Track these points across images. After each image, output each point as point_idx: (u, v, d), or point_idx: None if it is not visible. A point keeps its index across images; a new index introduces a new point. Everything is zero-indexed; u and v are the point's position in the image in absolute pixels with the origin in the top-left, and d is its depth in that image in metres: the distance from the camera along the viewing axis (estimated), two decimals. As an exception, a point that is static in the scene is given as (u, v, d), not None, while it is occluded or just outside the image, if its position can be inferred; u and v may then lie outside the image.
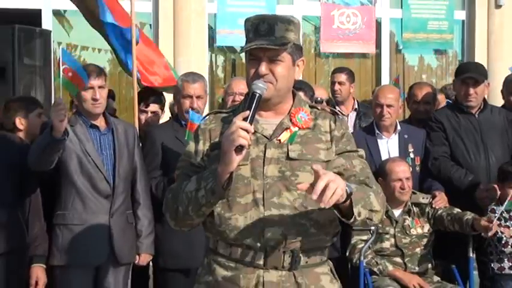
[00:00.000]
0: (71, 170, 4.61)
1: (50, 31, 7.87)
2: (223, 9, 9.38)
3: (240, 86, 5.23)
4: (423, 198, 5.42)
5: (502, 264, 5.36)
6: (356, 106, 7.02)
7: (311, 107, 3.01)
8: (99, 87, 4.66)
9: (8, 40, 7.07)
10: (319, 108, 3.02)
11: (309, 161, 2.84)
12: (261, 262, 2.87)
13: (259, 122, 2.89)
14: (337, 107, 6.90)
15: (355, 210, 2.71)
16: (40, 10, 8.95)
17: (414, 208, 5.41)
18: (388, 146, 5.61)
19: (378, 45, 9.93)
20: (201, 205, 2.80)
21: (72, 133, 4.60)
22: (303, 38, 9.67)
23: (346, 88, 7.07)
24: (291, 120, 2.92)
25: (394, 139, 5.64)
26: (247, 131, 2.64)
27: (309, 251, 2.93)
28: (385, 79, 9.92)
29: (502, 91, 6.31)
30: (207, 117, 3.06)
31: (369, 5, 9.88)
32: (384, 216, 5.00)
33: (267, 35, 2.80)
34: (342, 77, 7.10)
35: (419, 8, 10.03)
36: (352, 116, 7.00)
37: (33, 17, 8.77)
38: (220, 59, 9.84)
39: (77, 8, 6.67)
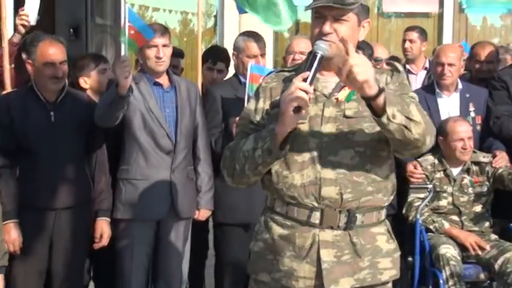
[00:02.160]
0: (134, 126, 4.55)
1: None
2: None
3: (300, 45, 5.06)
4: (484, 157, 5.26)
5: None
6: (427, 65, 6.82)
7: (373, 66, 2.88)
8: (163, 45, 4.56)
9: (81, 1, 7.11)
10: (377, 67, 2.88)
11: (365, 118, 2.74)
12: (317, 221, 2.80)
13: (319, 80, 2.80)
14: (407, 65, 6.75)
15: (389, 111, 2.56)
16: None
17: (474, 167, 5.25)
18: (449, 105, 5.43)
19: (441, 4, 9.67)
20: (258, 164, 2.75)
21: (136, 90, 4.53)
22: None
23: (417, 46, 6.89)
24: None
25: (454, 98, 5.45)
26: (306, 92, 2.56)
27: (366, 211, 2.83)
28: (448, 39, 9.64)
29: None
30: (269, 75, 2.99)
31: None
32: (442, 175, 5.14)
33: None
34: (413, 35, 6.91)
35: None
36: (422, 74, 6.82)
37: None
38: None
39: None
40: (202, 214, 4.84)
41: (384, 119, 2.56)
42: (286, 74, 2.92)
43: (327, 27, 2.69)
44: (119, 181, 4.60)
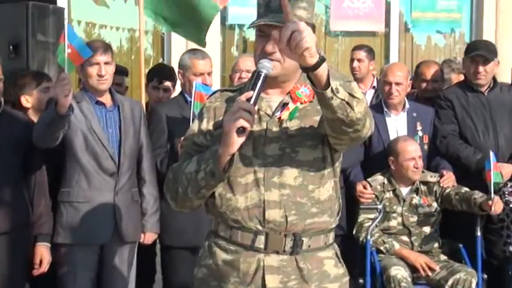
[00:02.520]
0: (76, 147, 4.40)
1: (63, 8, 7.64)
2: None
3: (246, 63, 4.96)
4: (431, 176, 5.22)
5: None
6: (375, 84, 6.78)
7: None
8: (105, 63, 4.44)
9: (22, 17, 6.86)
10: None
11: (308, 136, 2.67)
12: (262, 246, 2.69)
13: (264, 99, 2.71)
14: None
15: (333, 84, 2.35)
16: None
17: (422, 186, 5.20)
18: (397, 124, 5.40)
19: (387, 23, 9.63)
20: (201, 187, 2.64)
21: (78, 110, 4.39)
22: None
23: (365, 65, 6.81)
24: (291, 96, 2.72)
25: (402, 117, 5.42)
26: (250, 112, 2.47)
27: (312, 234, 2.72)
28: (394, 58, 9.61)
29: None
30: (214, 94, 2.89)
31: None
32: (392, 195, 5.11)
33: (277, 11, 2.56)
34: (361, 54, 6.85)
35: None
36: (370, 93, 6.75)
37: None
38: (233, 37, 9.54)
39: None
40: (148, 238, 4.69)
41: (329, 92, 2.36)
42: (230, 93, 2.84)
43: (270, 46, 2.61)
44: (59, 204, 4.43)
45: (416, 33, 9.90)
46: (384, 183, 5.18)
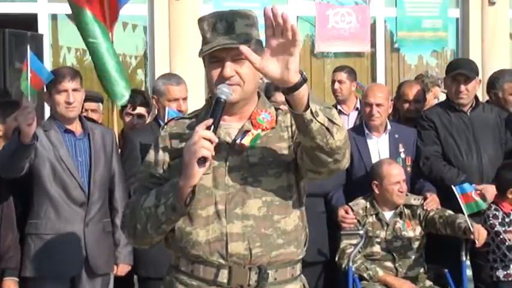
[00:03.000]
0: (43, 177, 4.27)
1: (42, 35, 7.61)
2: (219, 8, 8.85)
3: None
4: (414, 199, 5.06)
5: (509, 271, 4.94)
6: (358, 105, 6.63)
7: (276, 109, 2.69)
8: (74, 90, 4.33)
9: None
10: (283, 109, 2.68)
11: (271, 164, 2.58)
12: (225, 280, 2.56)
13: (222, 127, 2.57)
14: (338, 106, 6.59)
15: (312, 106, 2.29)
16: (36, 14, 8.56)
17: (406, 210, 5.04)
18: (378, 146, 5.25)
19: (373, 44, 9.57)
20: (161, 222, 2.52)
21: (46, 139, 4.29)
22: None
23: (346, 87, 6.68)
24: (251, 123, 2.61)
25: (384, 139, 5.27)
26: (210, 141, 2.37)
27: (278, 266, 2.60)
28: (381, 78, 9.55)
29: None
30: (168, 123, 2.74)
31: (363, 4, 9.51)
32: (375, 219, 4.94)
33: (226, 33, 2.50)
34: (342, 76, 6.72)
35: (413, 6, 9.63)
36: (354, 114, 6.63)
37: (29, 21, 8.41)
38: None
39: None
40: (121, 269, 4.55)
41: (308, 115, 2.29)
42: (187, 121, 2.70)
43: (228, 71, 2.50)
44: (27, 236, 4.29)
45: (405, 53, 9.84)
46: (366, 207, 5.02)
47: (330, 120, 2.34)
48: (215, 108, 2.44)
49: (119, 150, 4.76)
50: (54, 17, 8.65)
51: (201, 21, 2.56)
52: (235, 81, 2.52)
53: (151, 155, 2.68)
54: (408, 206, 5.03)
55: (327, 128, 2.33)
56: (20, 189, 4.28)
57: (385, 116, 5.23)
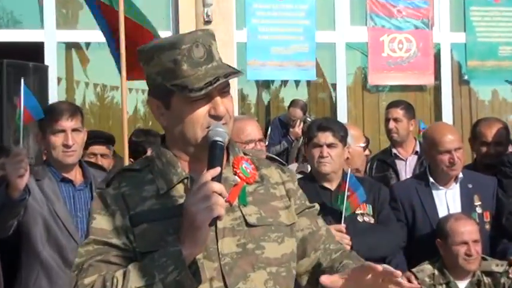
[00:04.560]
0: (34, 237, 4.11)
1: (47, 66, 7.49)
2: (254, 38, 9.03)
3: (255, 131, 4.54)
4: (497, 265, 4.82)
5: None
6: (417, 148, 6.42)
7: (244, 154, 2.59)
8: (73, 130, 4.21)
9: None
10: (252, 154, 2.63)
11: (271, 226, 2.46)
12: None
13: (195, 179, 2.33)
14: (393, 149, 6.38)
15: None
16: (43, 43, 8.61)
17: (485, 278, 4.80)
18: (447, 198, 5.06)
19: (437, 75, 9.51)
20: None
21: (38, 189, 4.15)
22: (347, 67, 9.29)
23: (403, 126, 6.44)
24: (235, 173, 2.47)
25: (454, 190, 5.08)
26: (221, 195, 2.22)
27: None
28: (448, 116, 9.44)
29: None
30: (113, 179, 2.47)
31: (425, 29, 9.44)
32: None
33: (207, 61, 2.38)
34: (398, 113, 6.49)
35: (486, 31, 9.55)
36: (413, 160, 6.38)
37: (36, 51, 8.47)
38: (253, 93, 9.49)
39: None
40: None
41: None
42: (136, 174, 2.47)
43: (221, 108, 2.37)
44: (13, 311, 4.16)
45: (475, 86, 9.76)
46: (434, 274, 4.78)
47: None
48: (215, 154, 2.30)
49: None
50: (68, 46, 8.75)
51: (162, 51, 2.37)
52: (225, 120, 2.40)
53: (102, 221, 2.39)
54: (488, 273, 4.79)
55: None
56: (3, 251, 4.16)
57: (463, 162, 5.07)
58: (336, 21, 9.22)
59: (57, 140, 4.15)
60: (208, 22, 8.55)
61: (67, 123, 4.15)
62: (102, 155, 5.63)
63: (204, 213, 2.19)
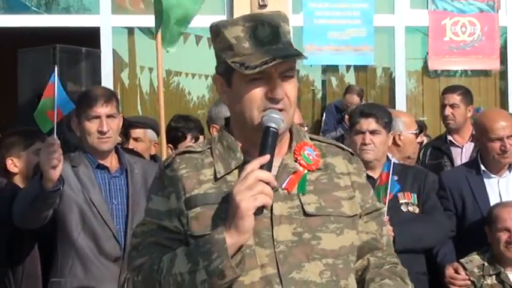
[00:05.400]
0: (70, 225, 4.10)
1: (99, 51, 7.53)
2: (310, 22, 8.96)
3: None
4: None
5: None
6: None
7: (312, 139, 2.54)
8: (108, 116, 4.18)
9: (48, 62, 6.86)
10: (323, 140, 2.57)
11: (331, 216, 2.40)
12: None
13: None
14: (449, 136, 6.25)
15: None
16: (98, 28, 8.59)
17: None
18: (500, 187, 4.93)
19: (503, 60, 9.34)
20: None
21: (74, 176, 4.13)
22: (406, 52, 9.15)
23: (460, 112, 6.29)
24: (296, 160, 2.43)
25: (507, 178, 4.94)
26: (269, 184, 2.23)
27: None
28: None
29: None
30: (172, 160, 2.48)
31: (490, 12, 9.26)
32: (495, 281, 4.63)
33: (273, 42, 2.35)
34: (455, 98, 6.33)
35: None
36: (469, 147, 6.21)
37: (92, 35, 8.52)
38: (309, 79, 9.44)
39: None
40: None
41: None
42: (197, 156, 2.47)
43: (279, 92, 2.34)
44: (49, 299, 4.18)
45: None
46: (483, 265, 4.66)
47: None
48: (267, 141, 2.28)
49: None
50: (129, 31, 8.83)
51: (226, 26, 2.37)
52: (283, 105, 2.36)
53: (158, 202, 2.45)
54: None
55: None
56: (40, 239, 4.17)
57: None
58: (395, 4, 9.09)
59: (92, 126, 4.13)
60: (263, 6, 8.49)
61: (102, 109, 4.13)
62: (135, 139, 5.62)
63: (248, 202, 2.19)
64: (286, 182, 2.38)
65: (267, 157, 2.25)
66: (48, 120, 4.14)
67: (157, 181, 2.48)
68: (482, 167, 4.92)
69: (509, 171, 4.92)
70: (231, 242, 2.22)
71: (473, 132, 6.16)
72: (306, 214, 2.37)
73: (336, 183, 2.45)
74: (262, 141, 2.30)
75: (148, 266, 2.36)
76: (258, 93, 2.34)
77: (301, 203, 2.38)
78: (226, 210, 2.26)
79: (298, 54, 2.33)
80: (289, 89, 2.36)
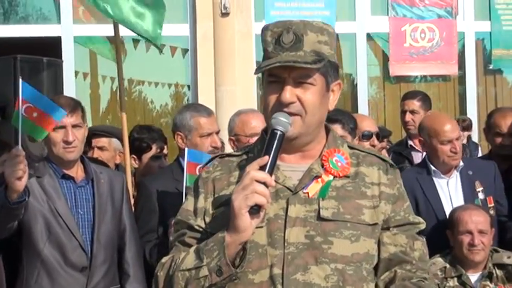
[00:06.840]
0: (35, 237, 4.07)
1: (61, 61, 7.54)
2: None
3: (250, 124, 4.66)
4: (508, 257, 4.77)
5: None
6: None
7: (351, 148, 2.61)
8: (74, 126, 4.16)
9: (8, 73, 6.77)
10: (363, 150, 2.63)
11: (347, 222, 2.45)
12: None
13: (281, 168, 2.50)
14: (409, 141, 6.39)
15: None
16: (60, 37, 8.63)
17: (497, 271, 4.75)
18: (449, 188, 5.02)
19: (462, 65, 9.43)
20: None
21: (39, 187, 4.11)
22: (368, 58, 9.22)
23: (420, 117, 6.34)
24: (322, 165, 2.51)
25: (455, 178, 5.04)
26: (265, 184, 2.32)
27: None
28: (472, 107, 9.39)
29: None
30: (211, 162, 2.65)
31: (448, 18, 9.36)
32: (457, 283, 4.67)
33: (293, 49, 2.44)
34: (415, 104, 6.50)
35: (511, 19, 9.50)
36: None
37: (53, 46, 8.51)
38: None
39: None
40: None
41: None
42: (235, 159, 2.60)
43: (287, 95, 2.42)
44: (14, 310, 4.15)
45: (501, 76, 9.68)
46: (445, 267, 4.73)
47: None
48: (270, 143, 2.37)
49: (132, 200, 4.62)
50: (87, 40, 8.77)
51: (265, 30, 2.49)
52: (295, 110, 2.43)
53: (189, 202, 2.58)
54: (501, 265, 4.74)
55: None
56: (5, 250, 4.14)
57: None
58: (357, 11, 9.16)
59: (57, 136, 4.10)
60: (225, 14, 8.54)
61: (67, 119, 4.10)
62: (99, 148, 5.60)
63: (240, 201, 2.29)
64: (308, 186, 2.45)
65: (265, 158, 2.33)
66: (43, 129, 4.06)
67: (195, 182, 2.61)
68: (433, 167, 4.98)
69: (456, 171, 5.00)
70: (230, 240, 2.31)
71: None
72: (320, 218, 2.43)
73: (362, 192, 2.48)
74: (266, 143, 2.38)
75: (169, 263, 2.47)
76: (271, 97, 2.45)
77: (319, 207, 2.44)
78: None
79: (301, 63, 2.37)
80: (303, 95, 2.42)
